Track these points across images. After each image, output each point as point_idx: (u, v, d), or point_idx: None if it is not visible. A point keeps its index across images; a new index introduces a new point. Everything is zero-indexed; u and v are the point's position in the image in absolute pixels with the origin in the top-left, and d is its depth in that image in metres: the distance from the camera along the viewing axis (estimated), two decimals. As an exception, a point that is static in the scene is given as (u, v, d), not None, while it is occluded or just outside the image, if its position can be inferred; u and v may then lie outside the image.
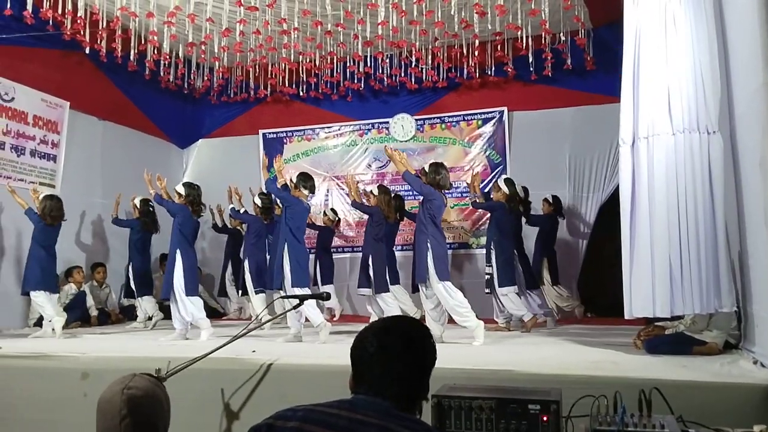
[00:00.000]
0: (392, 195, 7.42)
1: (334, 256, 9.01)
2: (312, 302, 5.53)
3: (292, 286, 5.75)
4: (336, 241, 9.36)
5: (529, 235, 7.87)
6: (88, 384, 4.11)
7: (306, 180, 6.16)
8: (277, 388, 3.87)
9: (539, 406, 2.31)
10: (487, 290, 6.81)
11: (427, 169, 5.88)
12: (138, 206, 7.95)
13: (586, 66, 8.42)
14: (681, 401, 2.73)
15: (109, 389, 2.14)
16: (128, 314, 8.41)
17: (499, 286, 6.62)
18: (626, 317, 4.29)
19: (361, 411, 1.65)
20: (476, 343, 5.26)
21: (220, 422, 3.86)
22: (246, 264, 7.42)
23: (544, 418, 2.29)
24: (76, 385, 4.19)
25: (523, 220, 7.63)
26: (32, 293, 6.48)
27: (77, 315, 7.61)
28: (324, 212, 9.33)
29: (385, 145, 7.51)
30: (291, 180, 6.28)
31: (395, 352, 1.76)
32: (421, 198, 5.74)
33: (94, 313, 7.99)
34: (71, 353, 4.78)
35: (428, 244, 5.52)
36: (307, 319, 5.87)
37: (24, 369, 4.55)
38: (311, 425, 1.62)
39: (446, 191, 5.95)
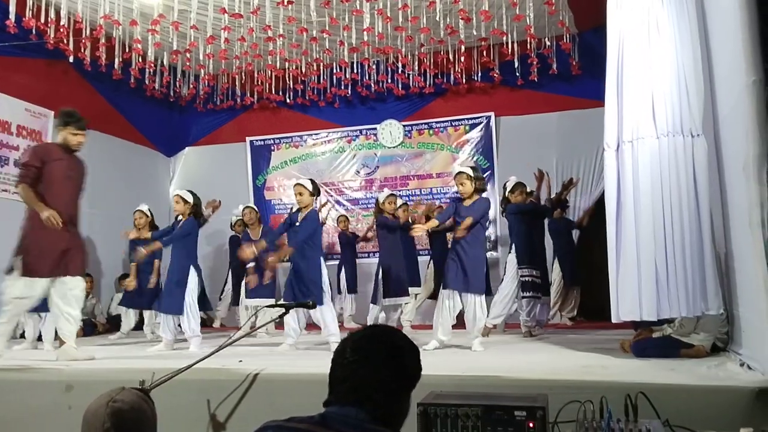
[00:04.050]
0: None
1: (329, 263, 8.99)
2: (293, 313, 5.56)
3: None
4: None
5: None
6: (72, 396, 4.05)
7: None
8: (264, 397, 3.82)
9: (525, 412, 2.29)
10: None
11: (473, 174, 5.46)
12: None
13: (572, 71, 8.46)
14: (668, 405, 2.72)
15: (96, 401, 2.18)
16: (116, 325, 8.30)
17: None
18: (613, 321, 4.29)
19: (333, 426, 1.61)
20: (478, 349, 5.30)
21: (206, 433, 3.82)
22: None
23: (530, 425, 2.27)
24: (60, 397, 4.13)
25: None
26: None
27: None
28: (338, 219, 9.15)
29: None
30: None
31: (372, 356, 1.73)
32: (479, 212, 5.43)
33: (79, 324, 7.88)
34: (55, 365, 4.73)
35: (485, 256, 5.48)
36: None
37: (7, 382, 4.48)
38: None
39: None
